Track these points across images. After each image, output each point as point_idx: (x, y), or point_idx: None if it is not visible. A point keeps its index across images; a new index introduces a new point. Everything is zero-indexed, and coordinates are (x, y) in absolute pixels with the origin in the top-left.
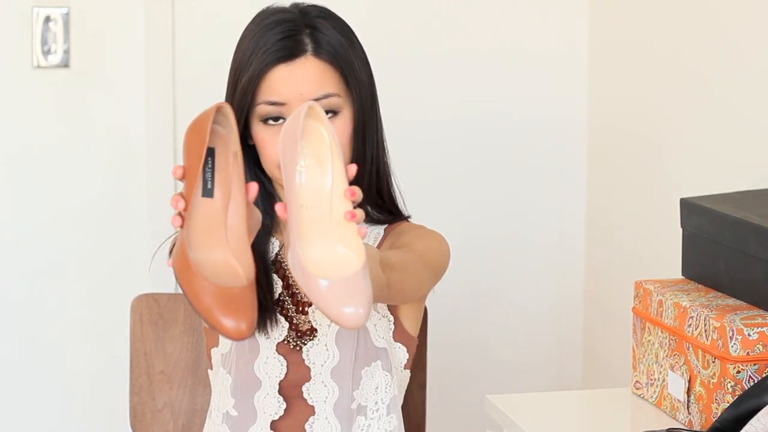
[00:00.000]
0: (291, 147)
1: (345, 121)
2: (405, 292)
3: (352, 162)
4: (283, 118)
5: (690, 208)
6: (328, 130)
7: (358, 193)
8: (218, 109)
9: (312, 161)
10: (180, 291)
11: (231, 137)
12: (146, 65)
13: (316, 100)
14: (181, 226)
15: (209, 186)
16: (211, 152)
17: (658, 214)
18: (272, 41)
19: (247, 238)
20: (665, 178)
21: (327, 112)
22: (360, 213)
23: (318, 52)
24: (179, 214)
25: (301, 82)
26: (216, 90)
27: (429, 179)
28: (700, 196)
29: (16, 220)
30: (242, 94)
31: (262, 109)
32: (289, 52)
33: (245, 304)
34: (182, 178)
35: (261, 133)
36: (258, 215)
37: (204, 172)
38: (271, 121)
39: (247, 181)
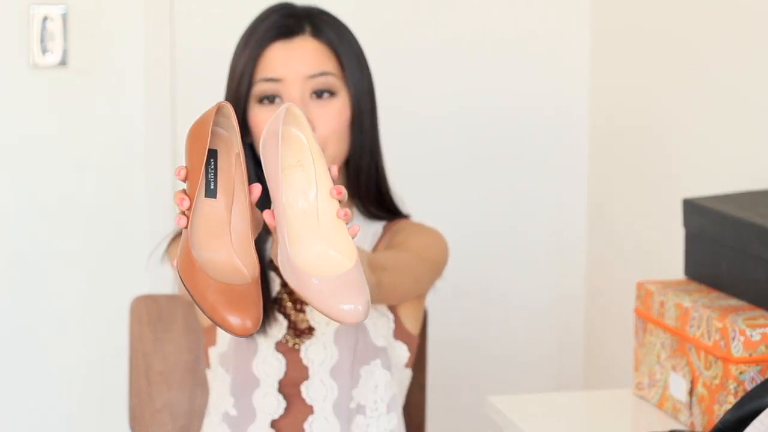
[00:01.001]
0: (273, 156)
1: (343, 104)
2: (399, 291)
3: (350, 153)
4: (279, 98)
5: (692, 208)
6: (307, 133)
7: (344, 192)
8: (219, 109)
9: (295, 167)
10: (180, 292)
11: (233, 138)
12: (145, 64)
13: (313, 77)
14: (186, 227)
15: (212, 186)
16: (213, 154)
17: (660, 212)
18: (271, 22)
19: (250, 239)
20: (668, 175)
21: (323, 92)
22: (350, 212)
23: (316, 34)
24: (183, 213)
25: (298, 59)
26: (216, 88)
27: (426, 176)
28: (702, 196)
29: (14, 219)
30: (240, 75)
31: (259, 87)
32: (288, 29)
33: (250, 300)
34: (185, 179)
35: (257, 115)
36: (260, 217)
37: (206, 173)
38: (266, 101)
39: (249, 182)
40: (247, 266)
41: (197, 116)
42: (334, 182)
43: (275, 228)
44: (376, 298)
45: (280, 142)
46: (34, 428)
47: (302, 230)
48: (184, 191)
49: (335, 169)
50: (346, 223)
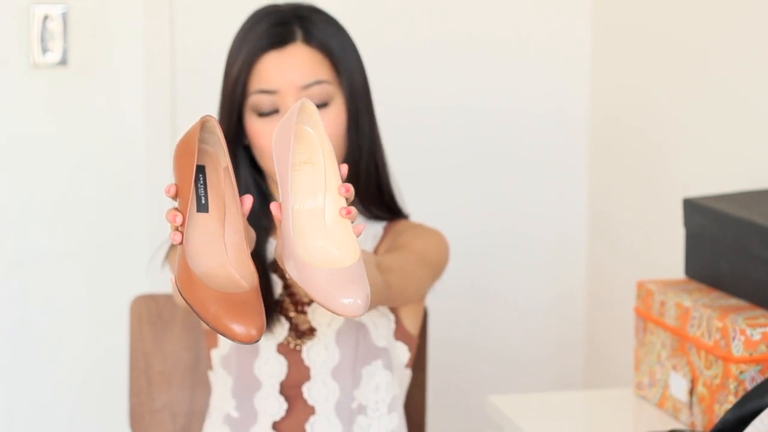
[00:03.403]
0: (284, 150)
1: (338, 111)
2: (406, 293)
3: (348, 154)
4: (276, 111)
5: (693, 208)
6: (319, 130)
7: (352, 190)
8: (203, 125)
9: (305, 163)
10: (178, 302)
11: (219, 153)
12: (145, 63)
13: (307, 87)
14: (181, 243)
15: (203, 201)
16: (201, 169)
17: (660, 212)
18: (262, 30)
19: (246, 250)
20: (668, 175)
21: (319, 104)
22: (355, 210)
23: (308, 40)
24: (177, 229)
25: (291, 68)
26: (215, 88)
27: (426, 176)
28: (703, 196)
29: (14, 218)
30: (234, 84)
31: (254, 99)
32: (279, 39)
33: (252, 308)
34: (175, 197)
35: (255, 126)
36: (252, 234)
37: (197, 188)
38: (264, 114)
39: (241, 193)
40: (245, 278)
41: (197, 116)
42: (343, 181)
43: (281, 222)
44: (384, 300)
45: (293, 138)
46: (34, 427)
47: (308, 226)
48: (175, 208)
49: (345, 168)
50: (351, 222)
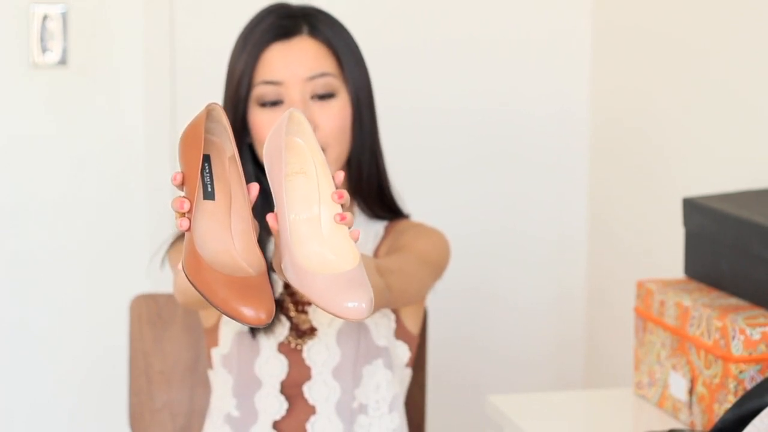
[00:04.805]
0: (276, 161)
1: (343, 103)
2: (407, 294)
3: (352, 150)
4: (281, 101)
5: (692, 208)
6: (309, 139)
7: (346, 196)
8: (209, 114)
9: (298, 173)
10: (179, 299)
11: (225, 143)
12: (145, 63)
13: (312, 78)
14: (188, 229)
15: (209, 189)
16: (206, 159)
17: (660, 212)
18: (268, 23)
19: (253, 238)
20: (668, 176)
21: (324, 96)
22: (350, 216)
23: (314, 33)
24: (184, 215)
25: (297, 60)
26: (216, 88)
27: (427, 176)
28: (702, 195)
29: (14, 218)
30: (239, 77)
31: (259, 90)
32: (285, 31)
33: (261, 291)
34: (181, 185)
35: (258, 117)
36: (256, 225)
37: (203, 176)
38: (268, 105)
39: (246, 182)
40: (252, 265)
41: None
42: (338, 188)
43: (278, 232)
44: (386, 303)
45: (284, 149)
46: (34, 427)
47: (305, 234)
48: (182, 196)
49: (340, 175)
50: (348, 227)
